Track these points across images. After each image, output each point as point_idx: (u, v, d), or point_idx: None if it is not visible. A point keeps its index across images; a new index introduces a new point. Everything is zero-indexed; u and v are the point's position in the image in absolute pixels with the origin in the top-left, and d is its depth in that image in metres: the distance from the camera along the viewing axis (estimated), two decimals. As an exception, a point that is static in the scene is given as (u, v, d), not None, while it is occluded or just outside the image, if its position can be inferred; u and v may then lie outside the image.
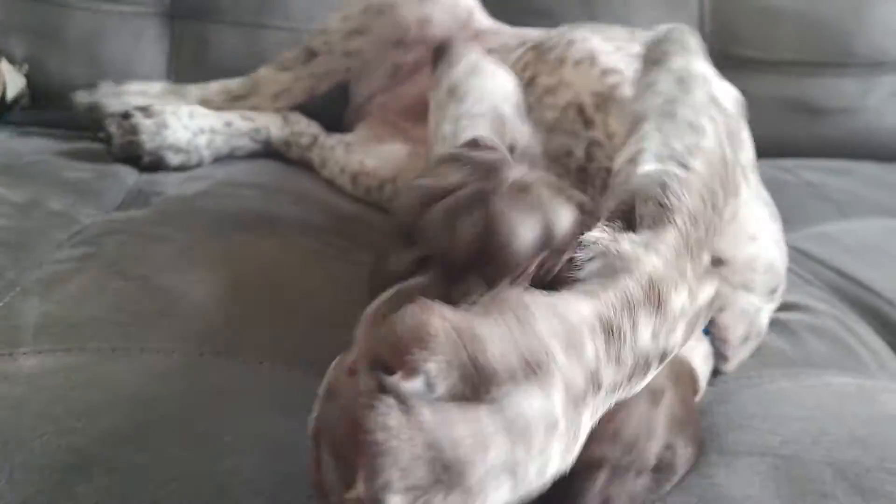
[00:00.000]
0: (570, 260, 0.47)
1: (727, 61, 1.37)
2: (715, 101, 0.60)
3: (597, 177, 0.86)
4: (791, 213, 1.16)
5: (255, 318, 0.70)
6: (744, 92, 0.65)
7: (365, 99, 1.30)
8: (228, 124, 1.23)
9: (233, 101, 1.28)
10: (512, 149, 0.80)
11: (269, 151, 1.27)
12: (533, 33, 1.12)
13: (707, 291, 0.50)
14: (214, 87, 1.30)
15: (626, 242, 0.47)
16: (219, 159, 1.22)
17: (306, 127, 1.28)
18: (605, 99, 0.85)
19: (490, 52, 1.13)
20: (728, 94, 0.63)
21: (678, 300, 0.46)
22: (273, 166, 1.23)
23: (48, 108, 1.33)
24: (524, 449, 0.37)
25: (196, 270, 0.75)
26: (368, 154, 1.19)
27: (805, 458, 0.61)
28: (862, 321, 0.93)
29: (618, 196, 0.52)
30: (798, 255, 1.12)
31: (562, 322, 0.40)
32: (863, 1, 1.60)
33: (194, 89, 1.29)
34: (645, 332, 0.44)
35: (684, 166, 0.52)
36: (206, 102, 1.26)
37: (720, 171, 0.55)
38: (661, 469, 0.54)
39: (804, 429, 0.65)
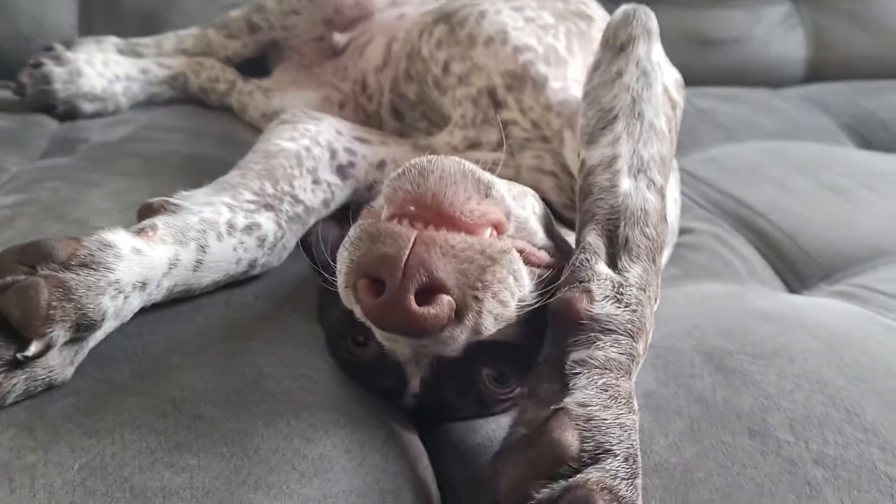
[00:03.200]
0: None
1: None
2: (667, 93, 0.69)
3: (514, 144, 0.90)
4: (684, 140, 1.28)
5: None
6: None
7: (288, 49, 1.34)
8: (145, 71, 1.24)
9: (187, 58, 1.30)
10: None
11: (188, 98, 1.29)
12: None
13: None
14: (168, 45, 1.31)
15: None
16: (137, 106, 1.24)
17: (222, 72, 1.31)
18: (518, 78, 0.88)
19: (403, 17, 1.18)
20: (674, 82, 0.72)
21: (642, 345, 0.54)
22: (194, 111, 1.25)
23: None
24: None
25: (131, 213, 0.80)
26: (286, 99, 1.23)
27: (679, 348, 0.72)
28: (739, 234, 1.04)
29: (601, 208, 0.60)
30: (688, 178, 1.23)
31: None
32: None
33: (150, 47, 1.30)
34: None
35: (653, 182, 0.61)
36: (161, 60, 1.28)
37: (668, 168, 0.65)
38: None
39: (680, 325, 0.76)
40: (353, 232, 0.51)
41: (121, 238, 0.57)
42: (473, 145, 0.93)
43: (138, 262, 0.57)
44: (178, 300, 0.65)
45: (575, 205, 0.65)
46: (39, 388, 0.51)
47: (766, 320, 0.76)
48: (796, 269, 0.99)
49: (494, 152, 0.91)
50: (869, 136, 1.50)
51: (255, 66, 1.36)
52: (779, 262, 1.00)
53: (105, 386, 0.53)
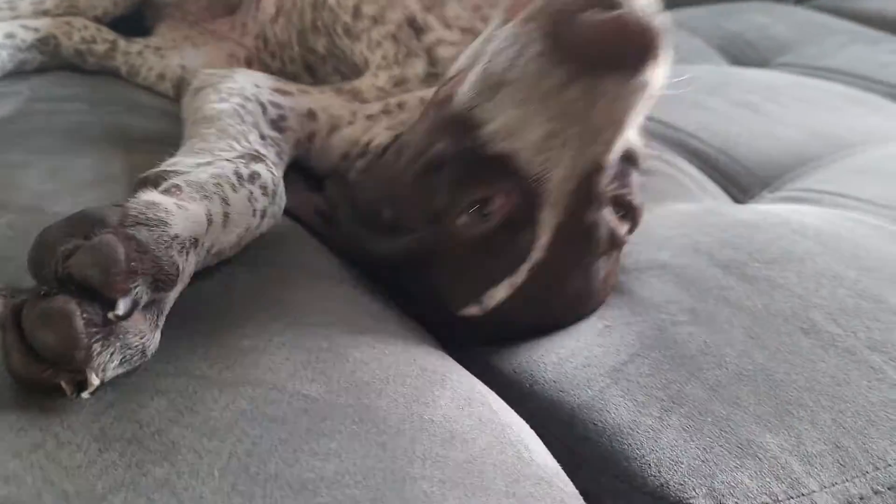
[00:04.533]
0: None
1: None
2: None
3: (445, 66, 0.85)
4: None
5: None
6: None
7: (166, 6, 1.21)
8: (10, 36, 1.08)
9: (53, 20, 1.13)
10: None
11: (60, 63, 1.14)
12: None
13: None
14: (24, 6, 1.13)
15: None
16: (5, 76, 1.08)
17: (97, 32, 1.16)
18: None
19: None
20: None
21: None
22: (74, 77, 1.10)
23: None
24: None
25: (87, 192, 0.70)
26: (186, 57, 1.12)
27: (695, 265, 0.74)
28: (678, 156, 1.08)
29: None
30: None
31: None
32: None
33: (3, 10, 1.12)
34: None
35: None
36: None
37: None
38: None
39: (682, 243, 0.78)
40: None
41: (160, 198, 0.50)
42: (399, 82, 0.90)
43: (186, 216, 0.50)
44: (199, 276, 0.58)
45: None
46: (136, 360, 0.44)
47: (755, 229, 0.79)
48: (737, 181, 1.04)
49: (424, 84, 0.89)
50: (741, 56, 1.60)
51: (128, 24, 1.23)
52: (719, 178, 1.05)
53: (188, 380, 0.46)
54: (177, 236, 0.48)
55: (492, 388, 0.60)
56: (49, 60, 1.13)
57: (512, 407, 0.58)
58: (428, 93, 0.81)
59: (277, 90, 0.87)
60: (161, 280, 0.46)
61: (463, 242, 0.61)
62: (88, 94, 1.02)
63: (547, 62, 0.54)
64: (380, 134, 0.84)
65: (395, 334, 0.60)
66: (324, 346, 0.52)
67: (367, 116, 0.87)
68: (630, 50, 0.52)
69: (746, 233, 0.78)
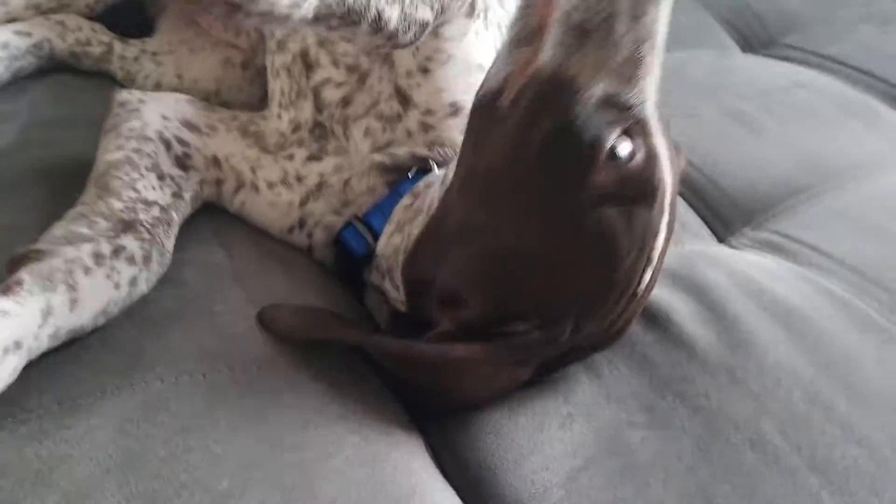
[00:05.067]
0: None
1: None
2: None
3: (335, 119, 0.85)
4: None
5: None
6: None
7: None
8: (5, 46, 1.08)
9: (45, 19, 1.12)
10: None
11: (56, 65, 1.14)
12: None
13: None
14: (17, 1, 1.12)
15: None
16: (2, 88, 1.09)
17: (92, 33, 1.16)
18: None
19: None
20: None
21: None
22: (74, 87, 1.11)
23: None
24: None
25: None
26: (182, 66, 1.11)
27: (662, 344, 0.77)
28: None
29: None
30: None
31: None
32: None
33: None
34: None
35: None
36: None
37: None
38: None
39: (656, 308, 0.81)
40: None
41: None
42: (296, 128, 0.89)
43: (5, 326, 0.59)
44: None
45: None
46: None
47: (729, 299, 0.82)
48: (720, 214, 1.05)
49: (312, 139, 0.87)
50: (747, 32, 1.57)
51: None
52: (704, 209, 1.06)
53: None
54: None
55: (462, 481, 0.66)
56: (45, 63, 1.13)
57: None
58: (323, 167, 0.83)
59: (187, 124, 0.89)
60: None
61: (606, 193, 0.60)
62: (86, 115, 1.02)
63: None
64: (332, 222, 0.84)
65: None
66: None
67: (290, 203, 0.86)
68: None
69: (721, 302, 0.81)
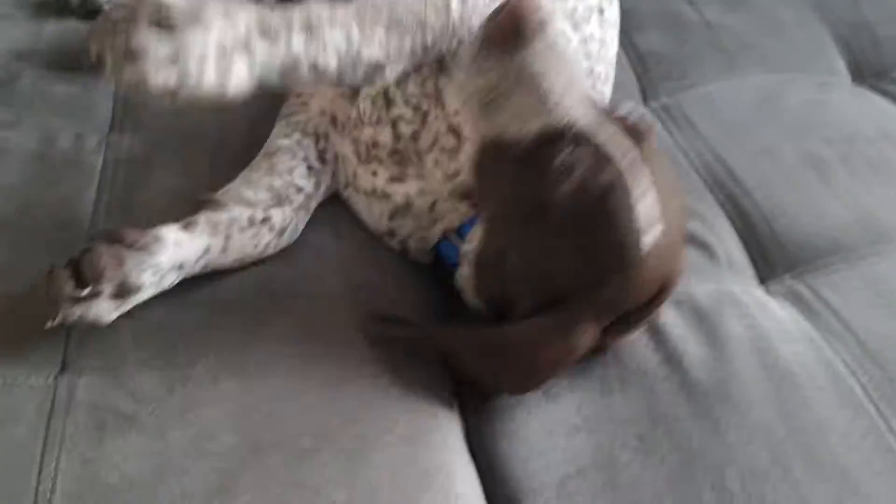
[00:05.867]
0: None
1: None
2: None
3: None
4: (687, 66, 1.48)
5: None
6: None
7: None
8: None
9: None
10: None
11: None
12: None
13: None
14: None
15: None
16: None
17: None
18: None
19: None
20: None
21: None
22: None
23: None
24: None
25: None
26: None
27: (670, 382, 0.94)
28: (722, 215, 1.20)
29: None
30: (686, 124, 1.36)
31: None
32: None
33: None
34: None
35: None
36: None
37: None
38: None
39: (672, 349, 0.97)
40: None
41: (169, 232, 0.87)
42: (375, 145, 1.01)
43: (176, 251, 0.87)
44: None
45: None
46: (90, 320, 0.81)
47: (738, 350, 0.97)
48: (767, 256, 1.15)
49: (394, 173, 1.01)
50: (860, 57, 1.57)
51: None
52: (754, 247, 1.17)
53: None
54: (157, 263, 0.84)
55: (483, 463, 0.88)
56: None
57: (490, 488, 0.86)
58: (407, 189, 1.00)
59: (333, 122, 1.06)
60: (125, 287, 0.82)
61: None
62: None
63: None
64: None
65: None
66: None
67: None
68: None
69: (730, 356, 0.96)
